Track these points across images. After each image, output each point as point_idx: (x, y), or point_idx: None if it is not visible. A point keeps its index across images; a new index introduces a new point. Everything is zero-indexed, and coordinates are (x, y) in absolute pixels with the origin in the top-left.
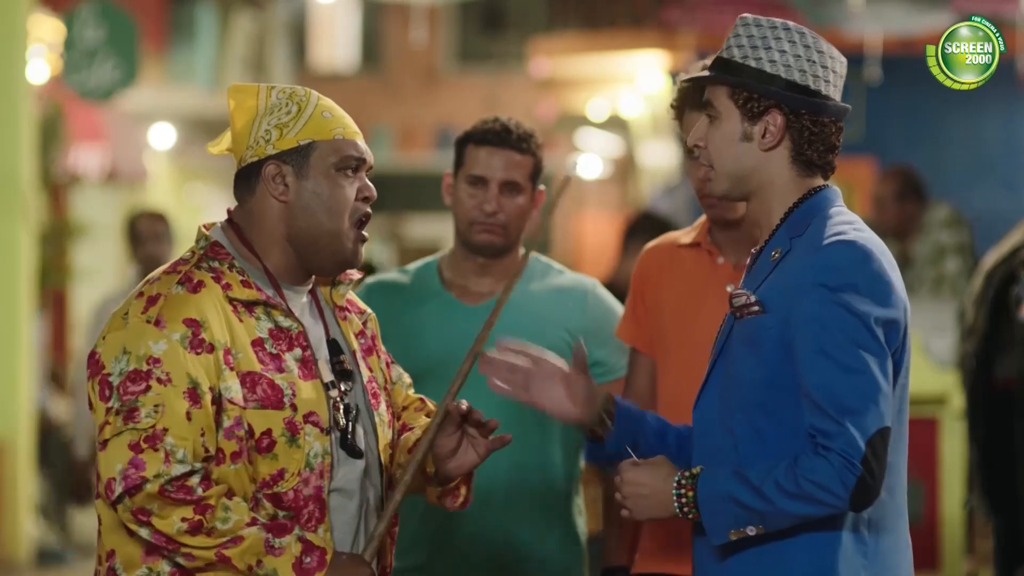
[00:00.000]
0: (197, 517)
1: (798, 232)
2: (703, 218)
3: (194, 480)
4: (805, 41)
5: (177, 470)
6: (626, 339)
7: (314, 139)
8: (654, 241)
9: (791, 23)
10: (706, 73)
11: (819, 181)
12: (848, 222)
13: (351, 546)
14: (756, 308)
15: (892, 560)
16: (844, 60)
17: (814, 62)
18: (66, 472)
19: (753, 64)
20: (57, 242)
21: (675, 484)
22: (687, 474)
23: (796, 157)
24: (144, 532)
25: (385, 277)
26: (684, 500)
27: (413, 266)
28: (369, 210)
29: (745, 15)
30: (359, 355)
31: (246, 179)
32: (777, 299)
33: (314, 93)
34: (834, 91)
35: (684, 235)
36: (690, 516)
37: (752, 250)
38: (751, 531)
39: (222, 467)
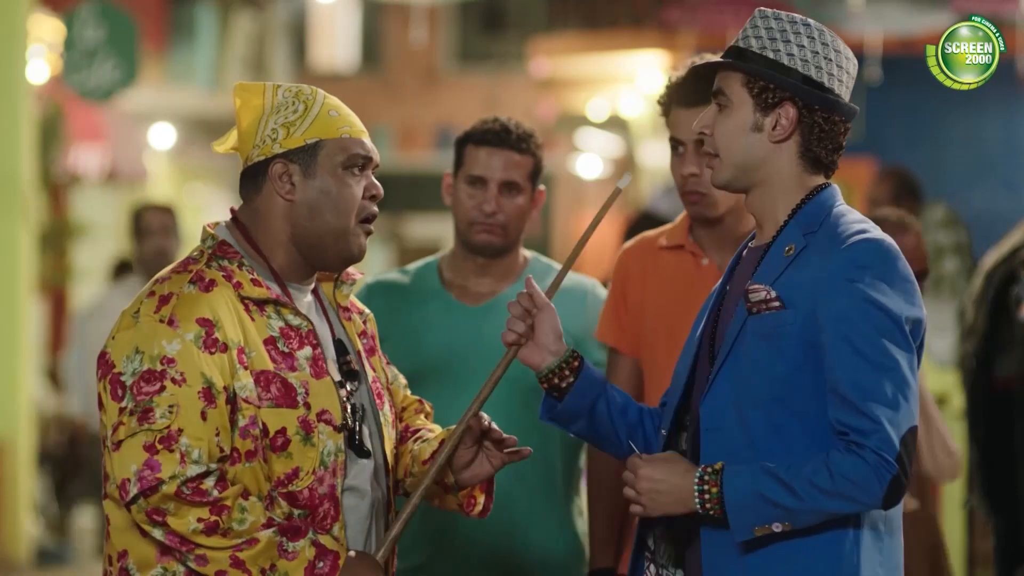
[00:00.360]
0: (213, 518)
1: (811, 229)
2: (680, 218)
3: (209, 482)
4: (824, 39)
5: (192, 471)
6: (608, 340)
7: (321, 138)
8: (631, 241)
9: (810, 20)
10: (722, 59)
11: (821, 179)
12: (863, 220)
13: (363, 546)
14: (776, 304)
15: (898, 558)
16: (856, 62)
17: (830, 60)
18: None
19: (771, 55)
20: (57, 242)
21: (697, 480)
22: (710, 470)
23: (804, 153)
24: (158, 533)
25: (385, 277)
26: (707, 496)
27: (413, 266)
28: (376, 209)
29: (763, 8)
30: (363, 355)
31: (253, 178)
32: (799, 295)
33: (320, 92)
34: (845, 92)
35: (662, 236)
36: (712, 512)
37: (751, 244)
38: (777, 528)
39: (237, 466)
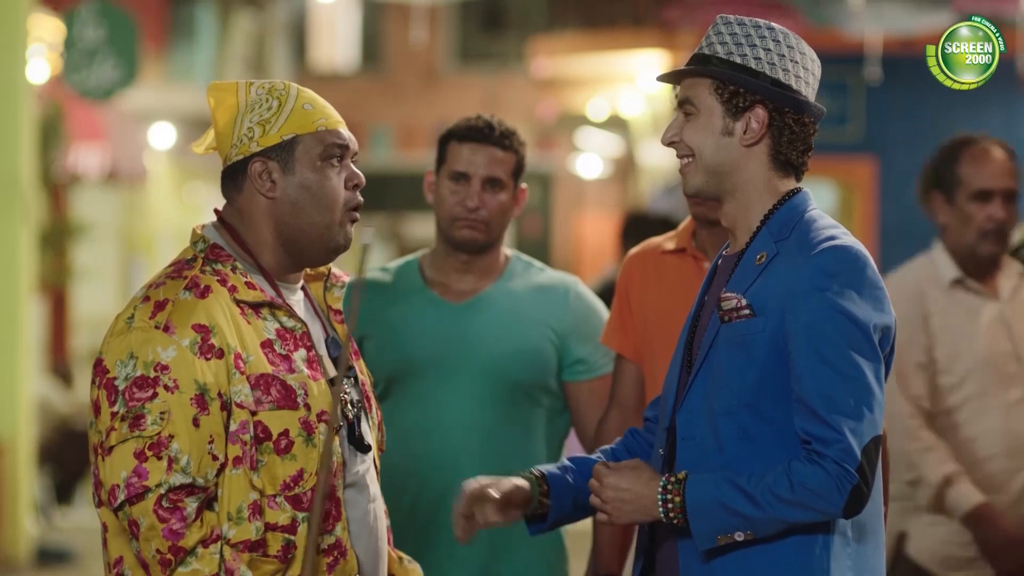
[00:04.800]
0: (169, 556)
1: (783, 236)
2: (686, 222)
3: (191, 501)
4: (789, 41)
5: (177, 479)
6: (613, 346)
7: (297, 133)
8: (637, 247)
9: (773, 24)
10: (690, 68)
11: (793, 183)
12: (834, 226)
13: (367, 542)
14: (747, 312)
15: (873, 562)
16: (819, 63)
17: (796, 62)
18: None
19: (738, 60)
20: (57, 242)
21: (661, 489)
22: (673, 479)
23: (775, 156)
24: (133, 544)
25: (367, 275)
26: (671, 505)
27: (394, 264)
28: (360, 198)
29: (726, 15)
30: (353, 356)
31: (233, 178)
32: (769, 303)
33: (293, 86)
34: (811, 93)
35: (667, 241)
36: (675, 521)
37: (723, 252)
38: (739, 536)
39: (224, 472)
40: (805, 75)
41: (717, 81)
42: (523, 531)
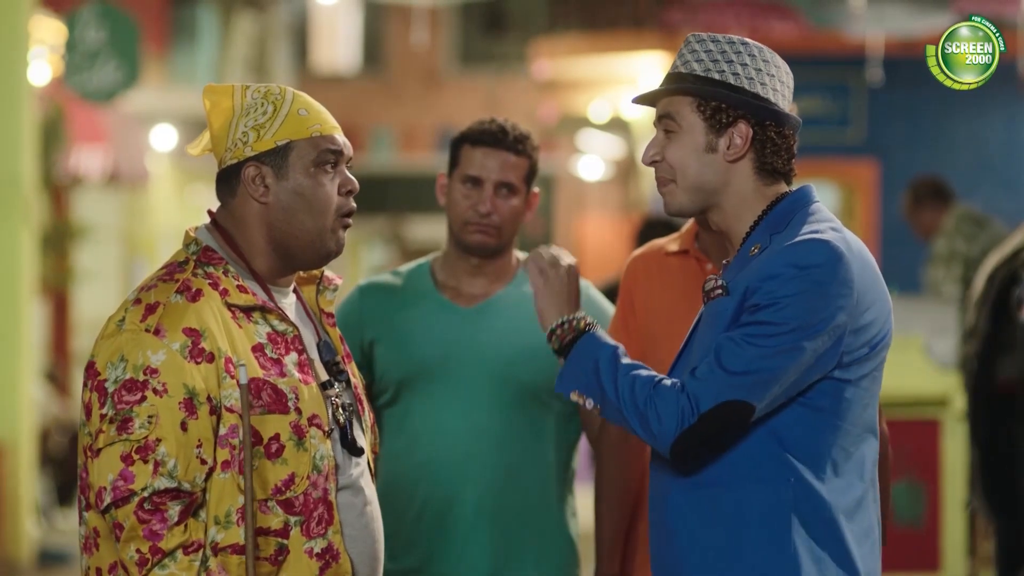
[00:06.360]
0: (147, 555)
1: (778, 229)
2: (688, 224)
3: (174, 505)
4: (763, 56)
5: (162, 483)
6: None
7: (292, 139)
8: (640, 249)
9: (747, 39)
10: (674, 87)
11: (783, 187)
12: (827, 219)
13: (362, 542)
14: (719, 291)
15: (860, 552)
16: (792, 74)
17: (772, 75)
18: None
19: (717, 77)
20: (58, 244)
21: (579, 315)
22: (591, 319)
23: (760, 168)
24: (116, 547)
25: (378, 279)
26: (566, 327)
27: (405, 268)
28: (353, 204)
29: (697, 33)
30: (345, 360)
31: (227, 181)
32: (740, 283)
33: (289, 90)
34: (786, 105)
35: (670, 243)
36: (551, 342)
37: (724, 260)
38: (589, 404)
39: (212, 476)
40: (781, 88)
41: (699, 98)
42: (533, 535)
